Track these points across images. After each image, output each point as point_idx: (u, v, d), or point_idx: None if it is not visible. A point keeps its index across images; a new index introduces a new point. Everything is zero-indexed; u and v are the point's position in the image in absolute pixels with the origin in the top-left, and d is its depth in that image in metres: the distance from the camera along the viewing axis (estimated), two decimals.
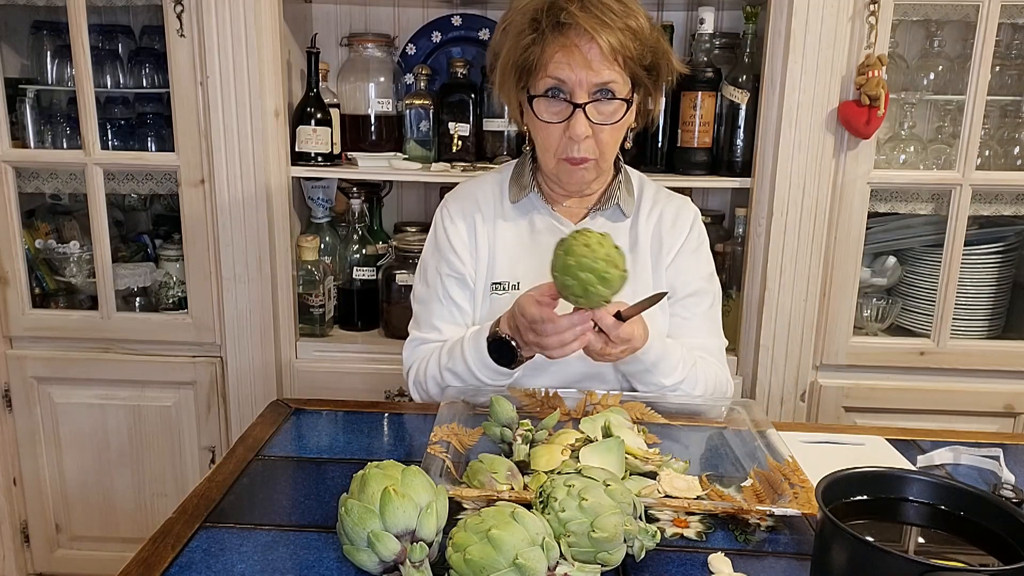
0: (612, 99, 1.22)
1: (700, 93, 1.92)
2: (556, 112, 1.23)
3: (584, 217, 1.36)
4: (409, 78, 2.12)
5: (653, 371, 1.25)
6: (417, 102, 2.03)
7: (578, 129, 1.21)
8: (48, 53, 2.03)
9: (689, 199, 1.42)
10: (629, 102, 1.24)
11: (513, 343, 1.17)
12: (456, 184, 1.46)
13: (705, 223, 1.42)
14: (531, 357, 1.21)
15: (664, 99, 1.67)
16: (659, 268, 1.36)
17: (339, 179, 2.11)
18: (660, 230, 1.36)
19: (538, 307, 1.11)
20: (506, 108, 1.97)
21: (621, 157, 1.36)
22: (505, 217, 1.37)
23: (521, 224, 1.37)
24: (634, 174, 1.42)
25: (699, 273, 1.38)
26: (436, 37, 2.17)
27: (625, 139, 1.32)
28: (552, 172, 1.30)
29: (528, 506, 0.85)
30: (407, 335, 1.42)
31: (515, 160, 1.42)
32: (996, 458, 1.14)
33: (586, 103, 1.20)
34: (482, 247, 1.36)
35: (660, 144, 2.00)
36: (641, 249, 1.36)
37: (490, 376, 1.23)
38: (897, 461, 1.15)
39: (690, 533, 0.94)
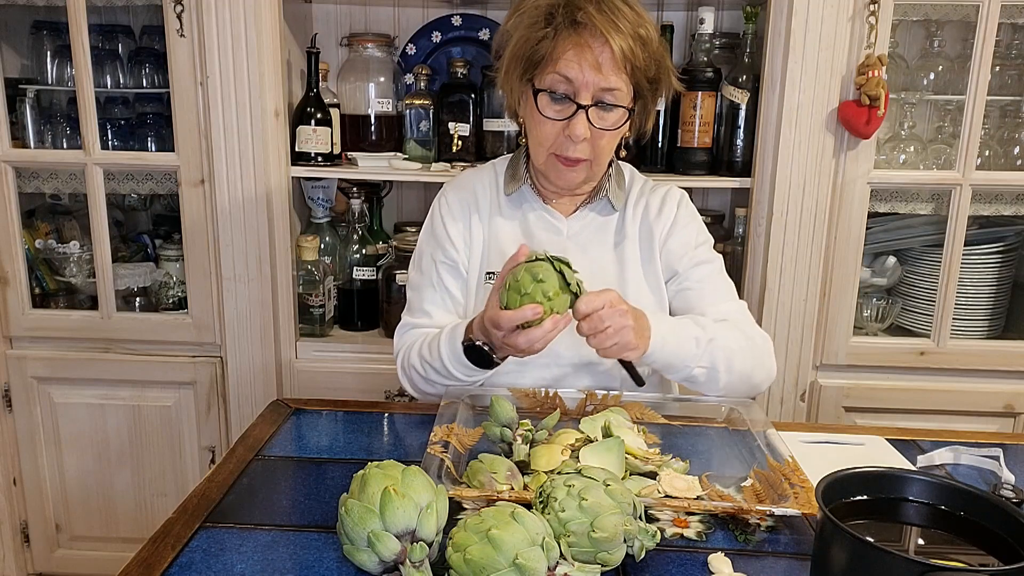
0: (615, 107, 1.22)
1: (700, 93, 1.92)
2: (559, 110, 1.23)
3: (574, 211, 1.37)
4: (409, 78, 2.12)
5: (675, 367, 1.23)
6: (417, 102, 2.03)
7: (578, 130, 1.21)
8: (48, 53, 2.03)
9: (675, 186, 1.42)
10: (631, 111, 1.25)
11: (487, 348, 1.17)
12: None
13: (705, 223, 1.42)
14: (505, 358, 1.21)
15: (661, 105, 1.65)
16: (652, 259, 1.35)
17: (339, 179, 2.11)
18: (647, 220, 1.36)
19: (500, 316, 1.10)
20: (505, 108, 2.00)
21: (613, 155, 1.36)
22: (500, 209, 1.38)
23: (515, 216, 1.38)
24: (625, 168, 1.43)
25: (694, 242, 1.36)
26: (436, 37, 2.17)
27: (619, 148, 1.33)
28: (542, 167, 1.31)
29: (528, 506, 0.85)
30: None
31: (511, 154, 1.43)
32: (996, 458, 1.15)
33: (589, 106, 1.21)
34: (477, 239, 1.37)
35: (660, 144, 2.00)
36: (629, 242, 1.36)
37: (466, 373, 1.24)
38: (897, 461, 1.15)
39: (690, 533, 0.94)
